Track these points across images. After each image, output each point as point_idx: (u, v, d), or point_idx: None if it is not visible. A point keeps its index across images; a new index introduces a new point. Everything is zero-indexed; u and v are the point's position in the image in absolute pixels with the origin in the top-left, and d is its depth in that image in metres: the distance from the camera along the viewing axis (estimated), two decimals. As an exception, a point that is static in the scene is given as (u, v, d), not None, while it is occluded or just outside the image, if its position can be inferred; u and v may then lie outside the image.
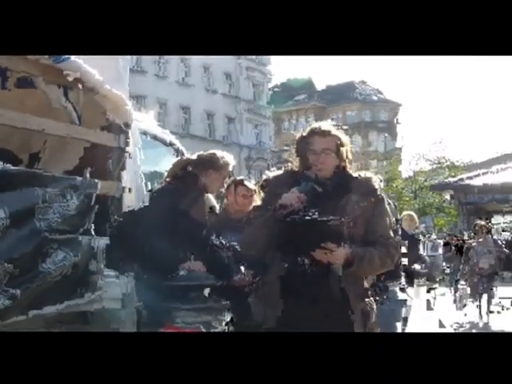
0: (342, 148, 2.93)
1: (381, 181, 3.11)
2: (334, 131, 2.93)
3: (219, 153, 4.03)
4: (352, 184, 2.93)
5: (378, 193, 2.97)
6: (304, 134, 2.96)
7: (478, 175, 16.01)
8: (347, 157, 2.96)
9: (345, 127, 3.05)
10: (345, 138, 2.97)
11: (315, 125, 2.98)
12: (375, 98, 59.77)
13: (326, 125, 2.95)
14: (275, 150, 41.38)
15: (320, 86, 61.87)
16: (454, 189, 17.07)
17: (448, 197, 20.54)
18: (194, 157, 4.11)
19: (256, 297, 2.93)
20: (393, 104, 59.07)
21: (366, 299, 2.91)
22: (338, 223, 2.75)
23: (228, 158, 4.04)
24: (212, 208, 4.27)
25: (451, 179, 20.95)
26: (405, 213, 8.98)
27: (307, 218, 2.70)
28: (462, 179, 17.70)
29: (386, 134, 55.95)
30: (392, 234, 3.04)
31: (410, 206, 30.95)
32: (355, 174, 2.99)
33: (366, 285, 3.00)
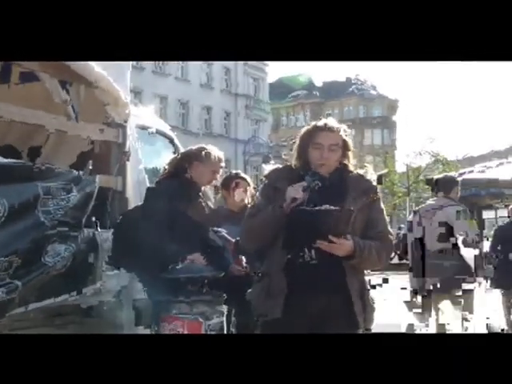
0: (346, 145, 2.99)
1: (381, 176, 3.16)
2: (340, 128, 2.99)
3: (205, 146, 4.03)
4: (353, 180, 2.99)
5: (374, 185, 3.03)
6: (310, 129, 3.01)
7: (473, 171, 16.09)
8: (350, 154, 3.02)
9: (346, 124, 3.13)
10: (348, 136, 3.04)
11: (321, 121, 3.03)
12: (372, 93, 59.60)
13: (332, 121, 3.01)
14: (273, 145, 41.27)
15: (317, 81, 61.64)
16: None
17: None
18: (183, 152, 4.14)
19: (258, 288, 2.96)
20: (389, 100, 58.95)
21: (367, 293, 2.97)
22: (341, 214, 2.80)
23: (213, 150, 4.02)
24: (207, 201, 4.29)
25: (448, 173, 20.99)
26: None
27: (310, 208, 2.77)
28: (459, 174, 17.77)
29: (382, 130, 55.88)
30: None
31: (403, 201, 31.00)
32: (355, 171, 3.04)
33: (367, 279, 3.05)
